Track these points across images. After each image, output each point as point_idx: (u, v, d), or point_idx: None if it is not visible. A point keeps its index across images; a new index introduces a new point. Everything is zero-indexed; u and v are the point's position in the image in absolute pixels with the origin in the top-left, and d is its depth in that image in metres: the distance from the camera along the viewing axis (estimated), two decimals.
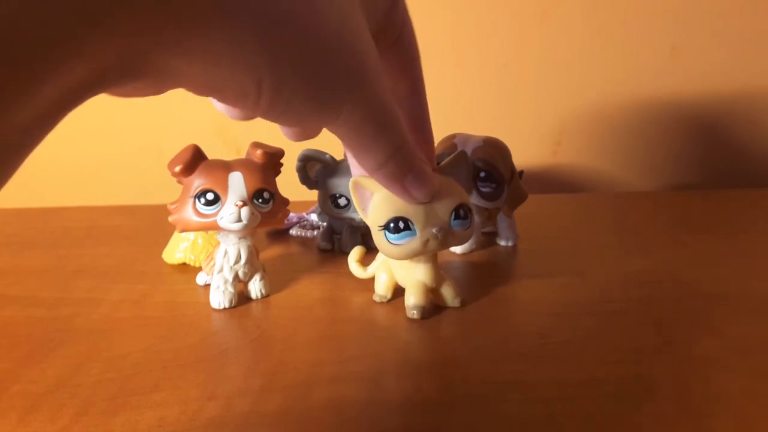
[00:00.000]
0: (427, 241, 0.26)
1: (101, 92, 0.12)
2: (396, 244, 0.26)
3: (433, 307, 0.31)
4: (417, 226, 0.26)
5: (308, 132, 0.20)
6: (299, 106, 0.15)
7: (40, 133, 0.11)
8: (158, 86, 0.13)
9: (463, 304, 0.31)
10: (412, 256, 0.27)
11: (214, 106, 0.18)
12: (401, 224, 0.26)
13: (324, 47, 0.14)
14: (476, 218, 0.41)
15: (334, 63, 0.15)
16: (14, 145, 0.10)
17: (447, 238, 0.26)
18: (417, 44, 0.22)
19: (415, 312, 0.29)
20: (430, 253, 0.28)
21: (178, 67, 0.12)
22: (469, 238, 0.27)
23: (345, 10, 0.15)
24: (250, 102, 0.14)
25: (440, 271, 0.30)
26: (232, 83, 0.13)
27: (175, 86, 0.13)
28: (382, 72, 0.17)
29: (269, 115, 0.15)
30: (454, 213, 0.26)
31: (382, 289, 0.32)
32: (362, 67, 0.16)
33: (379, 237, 0.27)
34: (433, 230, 0.26)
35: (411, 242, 0.26)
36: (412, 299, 0.30)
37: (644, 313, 0.30)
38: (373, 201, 0.27)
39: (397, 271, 0.31)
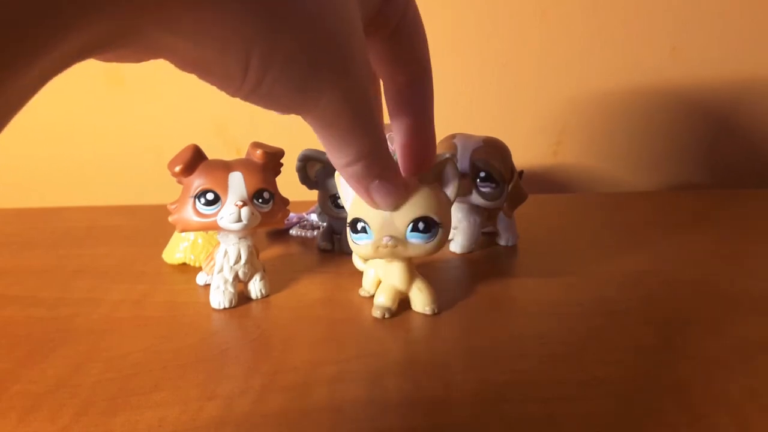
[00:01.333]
0: (378, 247, 0.26)
1: (91, 56, 0.12)
2: (356, 243, 0.27)
3: (399, 309, 0.30)
4: (372, 230, 0.26)
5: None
6: (281, 91, 0.15)
7: (24, 99, 0.11)
8: (141, 55, 0.13)
9: (435, 312, 0.30)
10: (368, 257, 0.27)
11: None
12: (359, 225, 0.26)
13: (314, 36, 0.14)
14: (477, 218, 0.41)
15: (322, 51, 0.15)
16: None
17: (397, 248, 0.26)
18: (423, 31, 0.22)
19: (378, 311, 0.30)
20: (386, 258, 0.28)
21: (169, 41, 0.13)
22: (432, 253, 0.27)
23: (341, 7, 0.15)
24: (234, 83, 0.14)
25: (414, 275, 0.30)
26: (219, 63, 0.14)
27: (158, 57, 0.14)
28: (369, 69, 0.17)
29: (250, 99, 0.15)
30: (411, 225, 0.25)
31: (368, 284, 0.33)
32: (349, 58, 0.16)
33: (348, 233, 0.28)
34: (384, 239, 0.26)
35: (366, 245, 0.26)
36: (380, 299, 0.30)
37: (644, 313, 0.30)
38: (352, 199, 0.27)
39: (378, 269, 0.32)
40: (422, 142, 0.25)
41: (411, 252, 0.26)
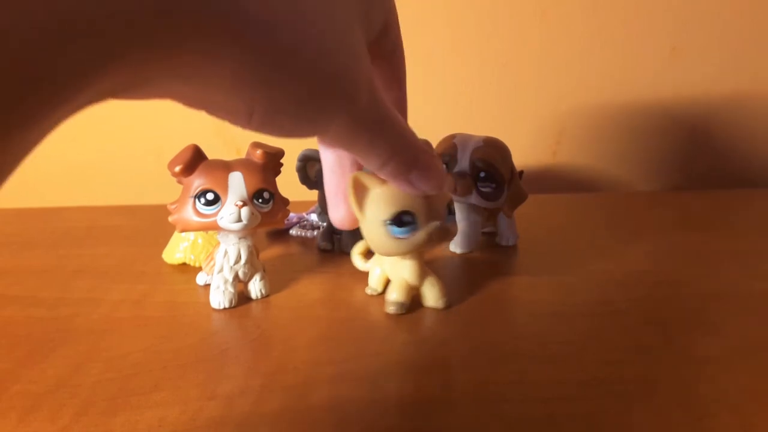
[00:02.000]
0: (430, 234, 0.26)
1: (98, 102, 0.12)
2: (400, 239, 0.26)
3: (413, 305, 0.31)
4: (419, 219, 0.26)
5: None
6: (289, 125, 0.15)
7: (37, 143, 0.11)
8: (146, 96, 0.13)
9: (448, 306, 0.31)
10: (413, 249, 0.27)
11: None
12: (405, 218, 0.26)
13: (318, 76, 0.14)
14: (477, 218, 0.41)
15: (327, 83, 0.15)
16: (8, 163, 0.10)
17: (446, 231, 0.27)
18: (404, 66, 0.22)
19: (393, 308, 0.30)
20: (433, 247, 0.29)
21: (178, 88, 0.13)
22: (454, 235, 0.28)
23: (342, 31, 0.15)
24: (241, 121, 0.15)
25: (426, 271, 0.31)
26: (226, 105, 0.14)
27: (165, 98, 0.14)
28: (374, 81, 0.17)
29: (261, 132, 0.15)
30: (447, 207, 0.26)
31: (374, 282, 0.33)
32: (354, 81, 0.16)
33: (379, 232, 0.26)
34: (438, 223, 0.26)
35: (416, 236, 0.26)
36: (393, 295, 0.30)
37: (644, 313, 0.30)
38: (371, 197, 0.26)
39: (386, 267, 0.32)
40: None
41: (449, 237, 0.27)
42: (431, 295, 0.31)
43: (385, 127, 0.18)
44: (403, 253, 0.27)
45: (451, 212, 0.27)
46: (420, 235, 0.26)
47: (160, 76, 0.12)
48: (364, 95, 0.16)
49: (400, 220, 0.26)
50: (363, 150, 0.18)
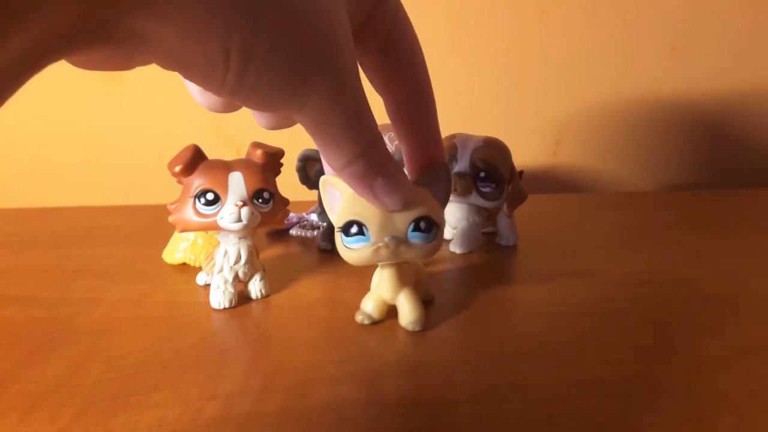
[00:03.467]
0: (378, 248, 0.24)
1: (67, 54, 0.11)
2: (349, 248, 0.25)
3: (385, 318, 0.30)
4: (371, 232, 0.24)
5: (278, 119, 0.20)
6: (266, 87, 0.15)
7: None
8: (127, 56, 0.13)
9: (420, 329, 0.28)
10: (365, 262, 0.26)
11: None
12: (356, 228, 0.25)
13: (298, 29, 0.14)
14: (477, 218, 0.41)
15: (307, 46, 0.15)
16: None
17: (399, 248, 0.25)
18: (416, 43, 0.22)
19: (359, 317, 0.29)
20: (382, 262, 0.27)
21: (149, 33, 0.12)
22: (432, 254, 0.26)
23: (326, 1, 0.15)
24: (217, 79, 0.14)
25: (401, 286, 0.29)
26: (201, 55, 0.13)
27: (144, 57, 0.13)
28: (356, 68, 0.17)
29: (236, 95, 0.15)
30: (413, 224, 0.25)
31: (374, 284, 0.32)
32: (335, 55, 0.16)
33: (337, 239, 0.26)
34: (385, 238, 0.24)
35: (363, 248, 0.25)
36: (366, 305, 0.29)
37: (645, 313, 0.30)
38: (340, 203, 0.26)
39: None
40: (428, 158, 0.25)
41: (412, 253, 0.25)
42: (402, 315, 0.29)
43: (361, 117, 0.18)
44: (359, 264, 0.26)
45: (421, 229, 0.25)
46: (366, 248, 0.25)
47: (128, 17, 0.11)
48: (345, 69, 0.16)
49: (347, 228, 0.25)
50: (333, 137, 0.18)
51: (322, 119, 0.17)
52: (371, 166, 0.20)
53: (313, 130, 0.17)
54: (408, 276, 0.29)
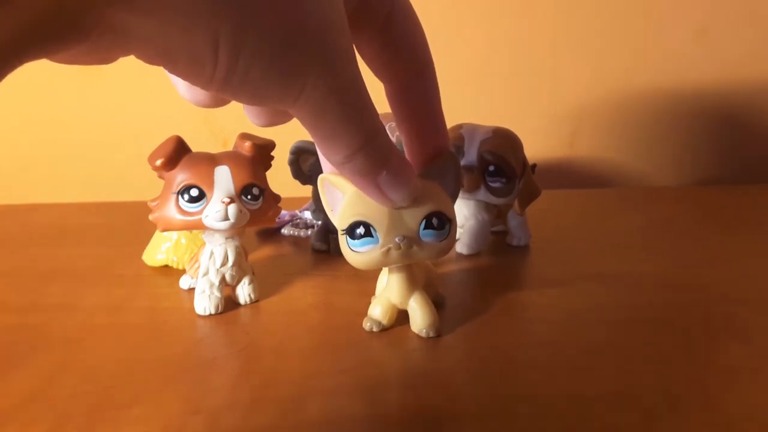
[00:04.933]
0: (388, 250, 0.24)
1: (45, 50, 0.11)
2: (356, 252, 0.25)
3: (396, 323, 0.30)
4: (379, 233, 0.24)
5: (273, 115, 0.20)
6: (258, 78, 0.15)
7: None
8: (107, 51, 0.13)
9: (436, 335, 0.28)
10: (374, 266, 0.26)
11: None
12: (362, 229, 0.25)
13: (290, 15, 0.14)
14: (485, 216, 0.41)
15: (300, 33, 0.15)
16: None
17: (412, 248, 0.25)
18: (417, 23, 0.22)
19: (367, 323, 0.29)
20: (393, 265, 0.27)
21: (130, 25, 0.12)
22: (446, 252, 0.26)
23: None
24: (205, 72, 0.14)
25: (412, 289, 0.29)
26: (187, 46, 0.13)
27: (126, 51, 0.13)
28: (354, 54, 0.17)
29: (226, 89, 0.15)
30: (425, 221, 0.25)
31: (379, 290, 0.32)
32: (331, 41, 0.16)
33: (342, 242, 0.26)
34: (396, 239, 0.24)
35: (371, 251, 0.25)
36: (374, 311, 0.29)
37: (667, 319, 0.30)
38: (342, 203, 0.26)
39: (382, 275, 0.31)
40: (432, 148, 0.25)
41: (425, 253, 0.25)
42: (414, 321, 0.29)
43: (361, 106, 0.18)
44: (368, 268, 0.26)
45: (434, 226, 0.25)
46: (375, 250, 0.25)
47: (108, 9, 0.11)
48: (341, 57, 0.16)
49: (353, 231, 0.25)
50: (331, 131, 0.18)
51: (318, 111, 0.17)
52: (374, 159, 0.20)
53: (310, 124, 0.17)
54: (419, 277, 0.29)
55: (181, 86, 0.18)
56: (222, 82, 0.14)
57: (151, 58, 0.14)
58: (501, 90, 0.64)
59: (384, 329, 0.29)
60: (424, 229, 0.25)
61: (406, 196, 0.23)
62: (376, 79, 0.23)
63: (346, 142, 0.18)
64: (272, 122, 0.20)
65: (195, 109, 0.63)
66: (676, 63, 0.63)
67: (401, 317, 0.30)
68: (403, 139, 0.25)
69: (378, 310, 0.29)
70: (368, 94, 0.18)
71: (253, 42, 0.14)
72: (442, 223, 0.25)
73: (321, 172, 0.40)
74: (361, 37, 0.21)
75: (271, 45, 0.14)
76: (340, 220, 0.26)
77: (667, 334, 0.28)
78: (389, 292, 0.29)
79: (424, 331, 0.28)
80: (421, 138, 0.25)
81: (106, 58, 0.14)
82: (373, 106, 0.18)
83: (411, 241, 0.24)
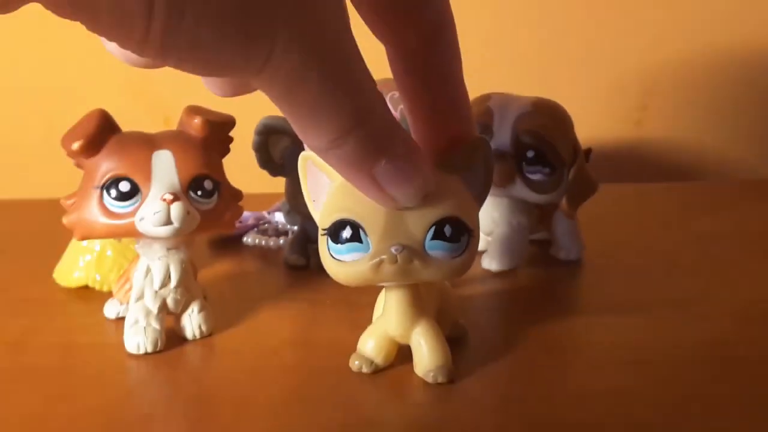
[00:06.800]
0: (381, 262, 0.24)
1: None
2: (338, 260, 0.25)
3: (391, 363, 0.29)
4: (371, 238, 0.24)
5: (236, 84, 0.20)
6: (210, 41, 0.15)
7: None
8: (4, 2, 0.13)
9: (446, 381, 0.28)
10: (362, 282, 0.25)
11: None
12: (348, 231, 0.24)
13: None
14: (522, 220, 0.41)
15: None
16: None
17: (412, 263, 0.24)
18: None
19: (356, 362, 0.29)
20: (386, 283, 0.27)
21: None
22: (460, 274, 0.26)
23: None
24: (138, 23, 0.14)
25: (420, 320, 0.28)
26: None
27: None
28: (342, 5, 0.17)
29: (168, 55, 0.15)
30: (434, 229, 0.24)
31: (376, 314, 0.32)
32: None
33: (322, 247, 0.26)
34: (392, 248, 0.24)
35: (358, 261, 0.24)
36: (366, 345, 0.29)
37: None
38: (329, 192, 0.26)
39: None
40: (450, 133, 0.25)
41: (430, 272, 0.25)
42: (419, 361, 0.28)
43: (350, 78, 0.18)
44: (351, 284, 0.26)
45: (445, 237, 0.24)
46: (363, 262, 0.24)
47: None
48: (324, 14, 0.16)
49: (336, 232, 0.25)
50: (311, 109, 0.18)
51: (292, 83, 0.17)
52: (369, 144, 0.19)
53: (282, 100, 0.17)
54: (427, 301, 0.29)
55: (107, 42, 0.18)
56: (160, 45, 0.14)
57: (62, 10, 0.14)
58: (544, 51, 0.64)
59: (378, 370, 0.29)
60: (432, 239, 0.24)
61: (413, 195, 0.23)
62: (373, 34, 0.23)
63: (331, 122, 0.18)
64: (237, 91, 0.20)
65: (125, 75, 0.63)
66: None
67: (403, 354, 0.30)
68: (410, 121, 0.25)
69: (371, 344, 0.29)
70: (360, 56, 0.18)
71: None
72: (457, 233, 0.25)
73: (297, 158, 0.40)
74: None
75: None
76: (322, 216, 0.26)
77: None
78: (386, 320, 0.29)
79: (432, 374, 0.28)
80: (436, 120, 0.25)
81: (3, 4, 0.14)
82: (369, 73, 0.18)
83: (412, 253, 0.24)
